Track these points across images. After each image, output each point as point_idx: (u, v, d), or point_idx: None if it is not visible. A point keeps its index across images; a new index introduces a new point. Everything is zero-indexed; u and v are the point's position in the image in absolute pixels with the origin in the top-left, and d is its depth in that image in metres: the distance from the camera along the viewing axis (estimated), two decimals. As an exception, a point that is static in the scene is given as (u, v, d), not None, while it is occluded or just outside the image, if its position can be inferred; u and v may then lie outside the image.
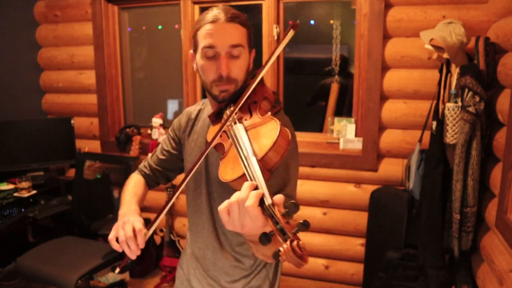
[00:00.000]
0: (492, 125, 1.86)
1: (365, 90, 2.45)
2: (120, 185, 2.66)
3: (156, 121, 2.90)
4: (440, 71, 2.16)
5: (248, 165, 0.77)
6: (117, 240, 0.96)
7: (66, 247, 2.39)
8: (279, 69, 2.71)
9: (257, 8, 2.66)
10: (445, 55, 2.01)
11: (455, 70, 1.99)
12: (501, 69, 1.81)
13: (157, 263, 2.88)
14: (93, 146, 3.11)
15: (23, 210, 2.48)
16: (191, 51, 1.08)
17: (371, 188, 2.46)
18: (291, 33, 0.87)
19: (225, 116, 0.97)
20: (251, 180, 0.73)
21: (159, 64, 3.14)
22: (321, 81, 3.40)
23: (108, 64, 3.02)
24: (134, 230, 0.95)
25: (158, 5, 2.95)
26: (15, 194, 2.60)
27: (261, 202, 0.69)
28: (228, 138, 0.91)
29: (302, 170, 2.62)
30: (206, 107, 1.21)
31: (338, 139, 2.61)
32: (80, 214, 2.67)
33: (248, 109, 0.96)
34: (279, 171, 0.94)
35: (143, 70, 3.21)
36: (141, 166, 1.34)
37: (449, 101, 1.95)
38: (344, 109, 3.03)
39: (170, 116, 3.13)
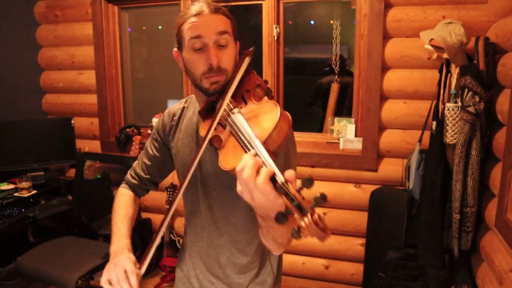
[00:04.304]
0: (492, 125, 1.86)
1: (365, 90, 2.45)
2: (120, 185, 2.66)
3: (156, 121, 2.91)
4: (440, 71, 2.16)
5: (252, 148, 0.76)
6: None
7: (66, 247, 2.40)
8: (279, 69, 2.71)
9: (257, 8, 2.67)
10: (445, 55, 2.01)
11: (455, 70, 1.99)
12: (501, 69, 1.81)
13: (157, 263, 2.88)
14: (93, 146, 3.11)
15: (23, 210, 2.48)
16: (175, 49, 1.04)
17: (371, 188, 2.46)
18: (247, 60, 0.90)
19: (218, 107, 0.95)
20: None
21: (159, 64, 3.14)
22: (318, 80, 3.39)
23: (108, 64, 3.02)
24: (126, 272, 0.96)
25: (158, 5, 2.95)
26: (15, 194, 2.60)
27: (274, 180, 0.68)
28: (224, 128, 0.90)
29: (302, 170, 2.62)
30: (191, 105, 1.18)
31: (338, 139, 2.61)
32: (80, 214, 2.68)
33: (242, 98, 0.95)
34: (279, 158, 0.93)
35: (143, 70, 3.21)
36: (128, 177, 1.29)
37: (449, 101, 1.95)
38: (344, 109, 3.03)
39: (170, 116, 3.13)
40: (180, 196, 0.92)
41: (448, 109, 1.89)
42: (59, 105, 3.21)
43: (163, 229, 0.95)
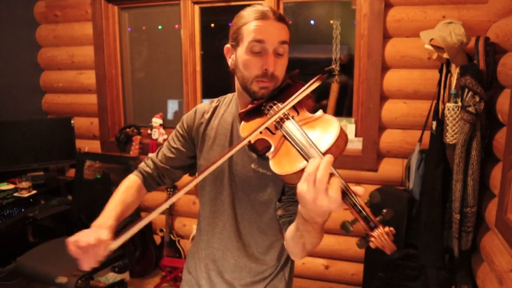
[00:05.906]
0: (492, 125, 1.86)
1: (365, 90, 2.45)
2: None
3: (156, 121, 2.91)
4: (440, 71, 2.16)
5: (310, 156, 0.78)
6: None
7: (66, 247, 2.39)
8: (279, 69, 2.70)
9: (257, 8, 2.66)
10: (445, 55, 2.01)
11: (455, 70, 1.99)
12: (501, 69, 1.81)
13: (157, 263, 2.88)
14: (93, 146, 3.11)
15: (23, 210, 2.48)
16: (228, 45, 1.06)
17: (371, 188, 2.46)
18: (318, 82, 0.94)
19: (272, 112, 0.96)
20: None
21: (159, 64, 3.14)
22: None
23: (108, 64, 3.02)
24: (98, 240, 0.91)
25: (158, 5, 2.95)
26: (15, 194, 2.60)
27: (343, 190, 0.73)
28: (273, 133, 0.92)
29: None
30: (223, 104, 1.18)
31: (338, 139, 2.60)
32: (80, 214, 2.67)
33: (293, 108, 0.97)
34: None
35: (143, 70, 3.21)
36: (142, 165, 1.22)
37: (449, 101, 1.95)
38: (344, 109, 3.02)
39: (170, 116, 3.13)
40: (185, 190, 0.84)
41: (448, 109, 1.89)
42: (59, 105, 3.21)
43: (161, 209, 0.87)
